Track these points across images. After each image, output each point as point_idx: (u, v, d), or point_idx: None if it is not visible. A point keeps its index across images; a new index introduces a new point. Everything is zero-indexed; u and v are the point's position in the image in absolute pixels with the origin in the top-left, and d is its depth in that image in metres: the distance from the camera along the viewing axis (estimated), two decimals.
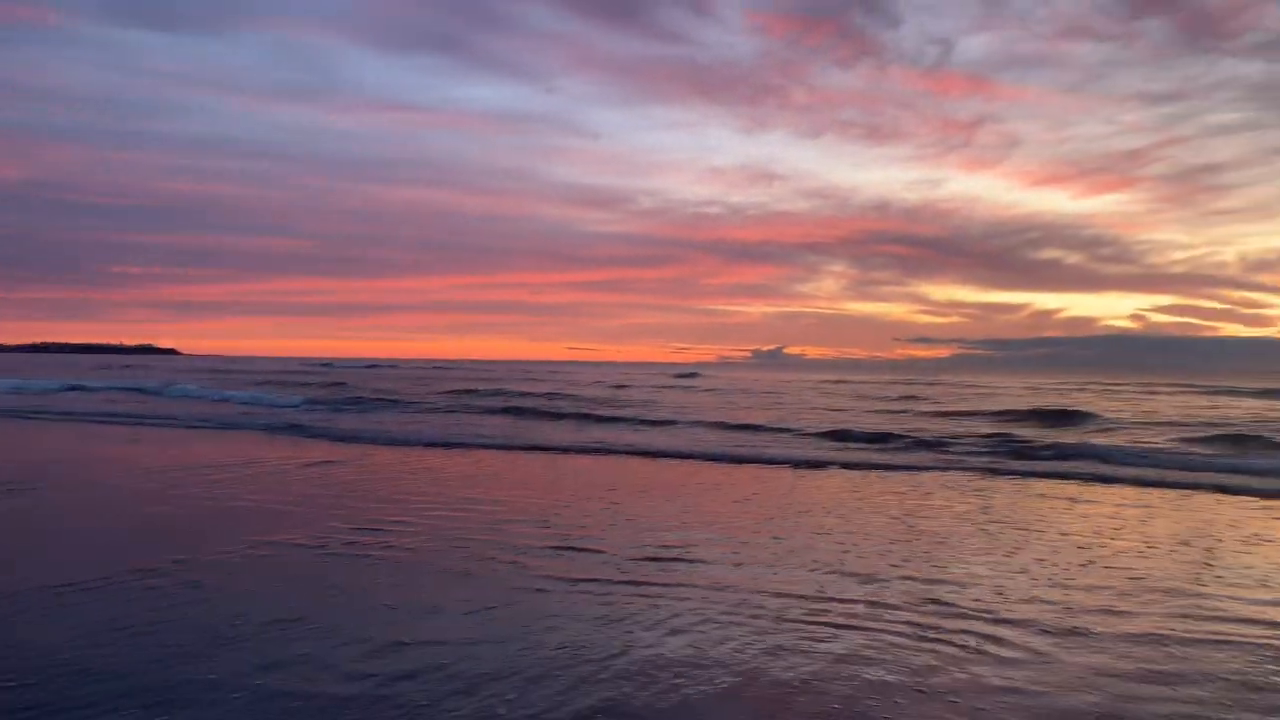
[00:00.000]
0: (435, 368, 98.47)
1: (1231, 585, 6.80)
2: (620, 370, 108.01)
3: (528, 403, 31.53)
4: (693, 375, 76.42)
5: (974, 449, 17.90)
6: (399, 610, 5.83)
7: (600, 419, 25.40)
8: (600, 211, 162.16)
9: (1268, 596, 6.45)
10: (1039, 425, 24.04)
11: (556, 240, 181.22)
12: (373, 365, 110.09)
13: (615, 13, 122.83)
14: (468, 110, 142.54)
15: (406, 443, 18.19)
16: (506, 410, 28.33)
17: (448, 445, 17.69)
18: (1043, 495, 11.87)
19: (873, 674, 4.76)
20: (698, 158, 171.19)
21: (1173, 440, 19.76)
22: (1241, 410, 30.01)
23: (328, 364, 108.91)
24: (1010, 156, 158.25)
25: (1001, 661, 5.01)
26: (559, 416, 26.16)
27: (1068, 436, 20.51)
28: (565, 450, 17.06)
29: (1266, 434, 19.81)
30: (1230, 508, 11.03)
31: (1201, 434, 20.46)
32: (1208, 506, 11.10)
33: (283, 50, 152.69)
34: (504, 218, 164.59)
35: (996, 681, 4.69)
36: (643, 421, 24.21)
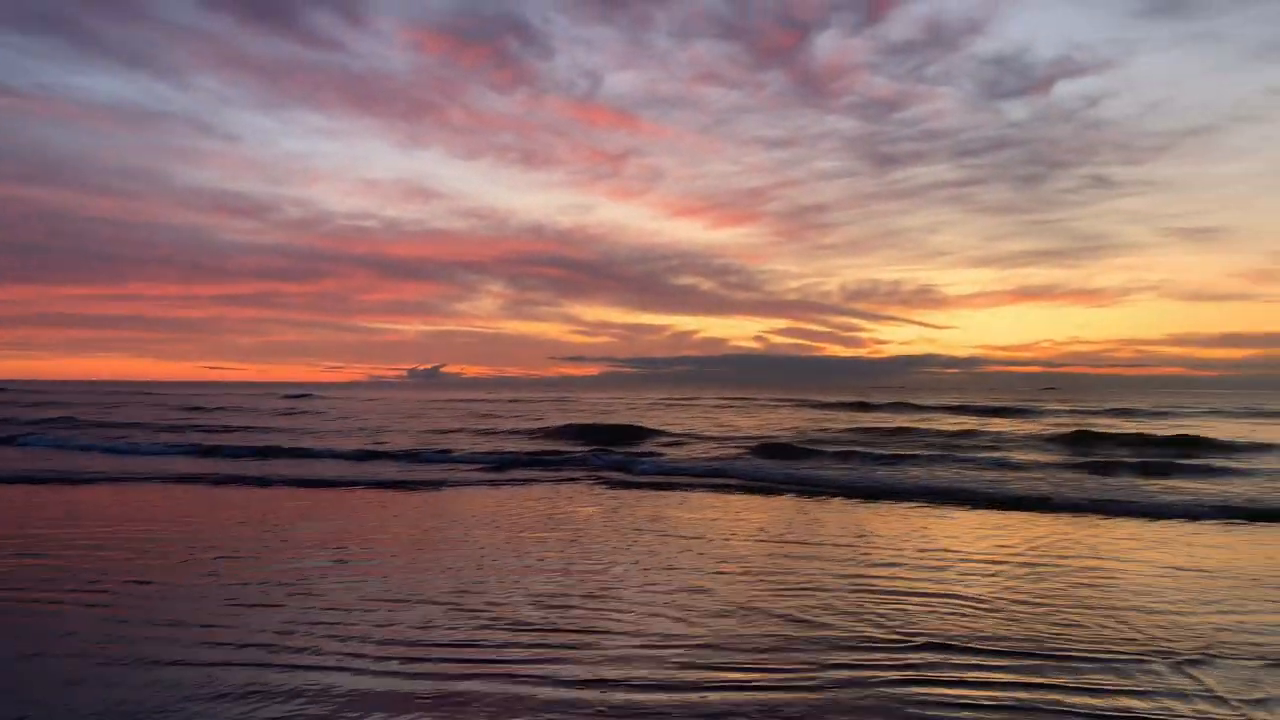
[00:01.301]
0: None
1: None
2: (232, 390, 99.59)
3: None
4: (305, 396, 71.01)
5: (539, 461, 19.34)
6: None
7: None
8: (242, 220, 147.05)
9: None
10: (607, 441, 24.93)
11: (192, 249, 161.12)
12: None
13: (259, 11, 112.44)
14: (79, 100, 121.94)
15: None
16: None
17: None
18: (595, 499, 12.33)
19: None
20: (351, 169, 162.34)
21: (717, 450, 21.76)
22: (798, 421, 34.33)
23: None
24: (653, 188, 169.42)
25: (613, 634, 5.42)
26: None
27: (636, 449, 22.13)
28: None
29: (798, 443, 22.63)
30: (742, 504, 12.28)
31: (749, 444, 22.54)
32: (717, 504, 12.28)
33: None
34: (127, 222, 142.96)
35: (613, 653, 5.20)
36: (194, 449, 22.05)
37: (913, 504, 12.76)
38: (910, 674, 4.99)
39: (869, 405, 47.13)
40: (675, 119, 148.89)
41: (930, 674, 4.99)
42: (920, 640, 5.66)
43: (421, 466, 18.54)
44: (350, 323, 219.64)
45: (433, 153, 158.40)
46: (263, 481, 15.43)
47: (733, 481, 15.64)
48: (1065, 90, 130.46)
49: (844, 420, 34.35)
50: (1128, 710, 4.49)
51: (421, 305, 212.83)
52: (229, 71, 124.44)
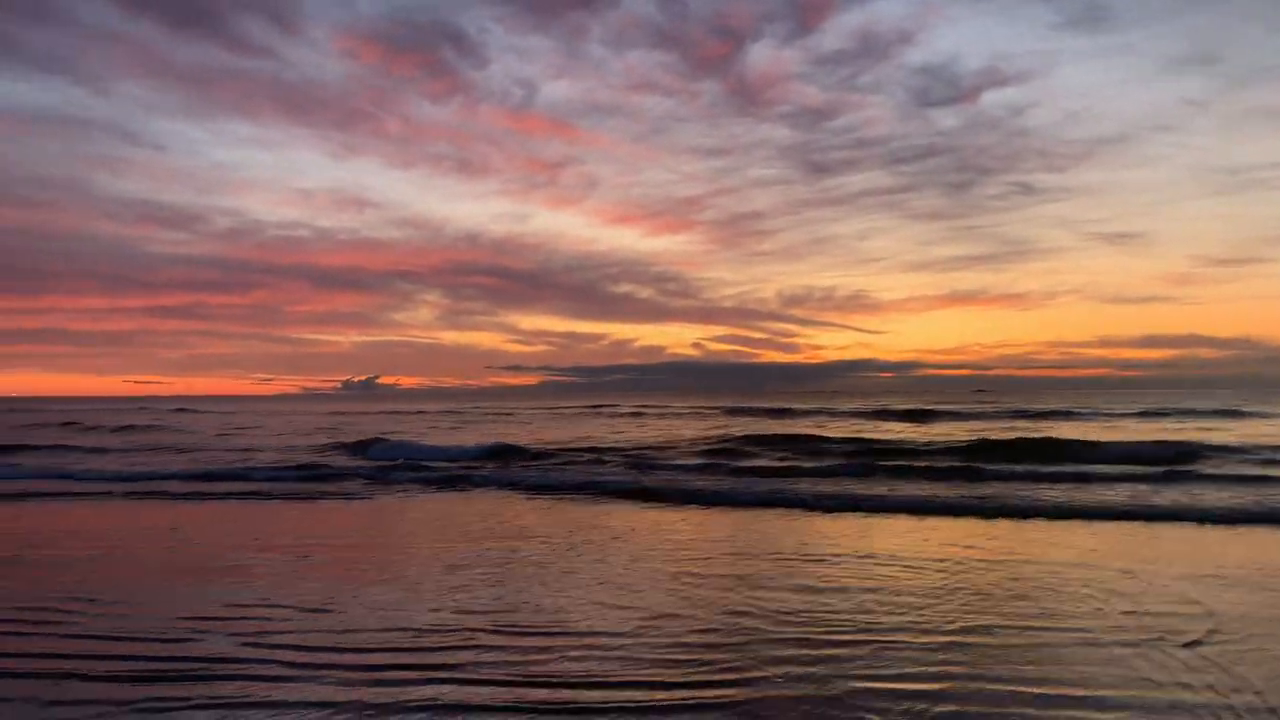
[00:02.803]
0: None
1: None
2: (136, 405, 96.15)
3: None
4: (183, 411, 67.36)
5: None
6: None
7: None
8: (168, 230, 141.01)
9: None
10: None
11: (115, 261, 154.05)
12: None
13: (186, 17, 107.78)
14: None
15: None
16: None
17: None
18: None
19: None
20: (283, 179, 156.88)
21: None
22: (702, 429, 34.14)
23: None
24: (589, 196, 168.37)
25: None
26: None
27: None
28: None
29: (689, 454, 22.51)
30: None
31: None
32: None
33: None
34: (46, 234, 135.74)
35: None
36: None
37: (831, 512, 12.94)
38: (859, 668, 5.07)
39: (791, 411, 47.53)
40: (611, 127, 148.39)
41: (877, 668, 5.07)
42: (867, 634, 5.75)
43: (289, 484, 17.85)
44: (282, 334, 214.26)
45: (367, 162, 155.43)
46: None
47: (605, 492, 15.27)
48: (991, 100, 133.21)
49: (758, 427, 33.81)
50: (1066, 695, 4.63)
51: (356, 316, 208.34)
52: (154, 79, 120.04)
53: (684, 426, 36.58)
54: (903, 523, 11.28)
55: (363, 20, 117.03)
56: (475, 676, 4.93)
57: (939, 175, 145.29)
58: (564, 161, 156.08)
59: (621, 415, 50.26)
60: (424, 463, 20.98)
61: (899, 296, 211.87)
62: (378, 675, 4.95)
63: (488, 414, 55.58)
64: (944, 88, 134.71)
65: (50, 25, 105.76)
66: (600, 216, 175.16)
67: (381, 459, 22.69)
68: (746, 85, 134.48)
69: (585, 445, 25.49)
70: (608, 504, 13.57)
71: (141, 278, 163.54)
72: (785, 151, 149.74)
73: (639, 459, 21.20)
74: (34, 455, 24.87)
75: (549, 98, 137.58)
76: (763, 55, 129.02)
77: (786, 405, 55.90)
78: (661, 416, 47.25)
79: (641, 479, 16.51)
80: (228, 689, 4.74)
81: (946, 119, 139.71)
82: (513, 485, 16.24)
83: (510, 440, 26.13)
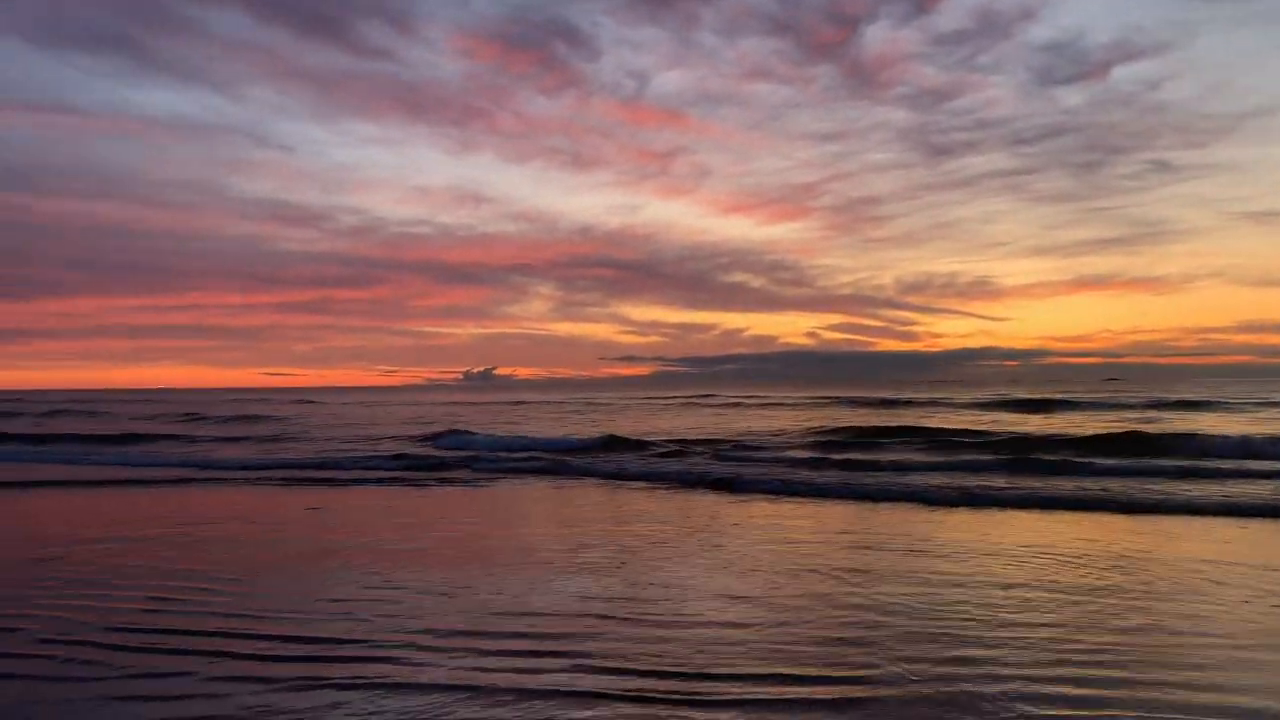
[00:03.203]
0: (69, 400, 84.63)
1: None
2: (262, 396, 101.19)
3: None
4: (309, 402, 70.43)
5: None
6: None
7: None
8: (297, 229, 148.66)
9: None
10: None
11: (248, 259, 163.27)
12: None
13: (310, 24, 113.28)
14: (138, 116, 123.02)
15: None
16: None
17: None
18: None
19: None
20: (403, 176, 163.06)
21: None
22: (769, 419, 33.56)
23: None
24: (702, 186, 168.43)
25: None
26: None
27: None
28: None
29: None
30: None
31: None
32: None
33: None
34: (185, 234, 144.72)
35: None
36: None
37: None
38: (998, 667, 4.91)
39: (907, 402, 46.28)
40: (723, 116, 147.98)
41: (1016, 667, 4.91)
42: (1004, 631, 5.57)
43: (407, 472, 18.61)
44: (405, 327, 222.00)
45: (484, 158, 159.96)
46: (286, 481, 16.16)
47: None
48: (1123, 74, 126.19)
49: (872, 419, 33.17)
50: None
51: (474, 309, 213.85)
52: (282, 83, 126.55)
53: (794, 417, 36.04)
54: (1028, 518, 10.85)
55: (477, 19, 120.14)
56: (603, 664, 4.98)
57: (1065, 155, 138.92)
58: (675, 151, 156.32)
59: (730, 406, 49.97)
60: (529, 453, 21.48)
61: (1023, 282, 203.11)
62: (509, 661, 5.07)
63: (589, 404, 56.16)
64: (1069, 64, 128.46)
65: (188, 37, 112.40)
66: (713, 206, 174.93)
67: (458, 449, 23.37)
68: (863, 68, 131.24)
69: (694, 437, 25.48)
70: (716, 495, 13.54)
71: (272, 274, 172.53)
72: (904, 134, 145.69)
73: (745, 450, 21.08)
74: (170, 444, 26.68)
75: (660, 88, 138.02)
76: (879, 37, 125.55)
77: (902, 395, 54.57)
78: (771, 407, 46.68)
79: (748, 471, 16.37)
80: (369, 670, 4.93)
81: (1072, 97, 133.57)
82: (617, 476, 16.42)
83: (614, 430, 26.47)
